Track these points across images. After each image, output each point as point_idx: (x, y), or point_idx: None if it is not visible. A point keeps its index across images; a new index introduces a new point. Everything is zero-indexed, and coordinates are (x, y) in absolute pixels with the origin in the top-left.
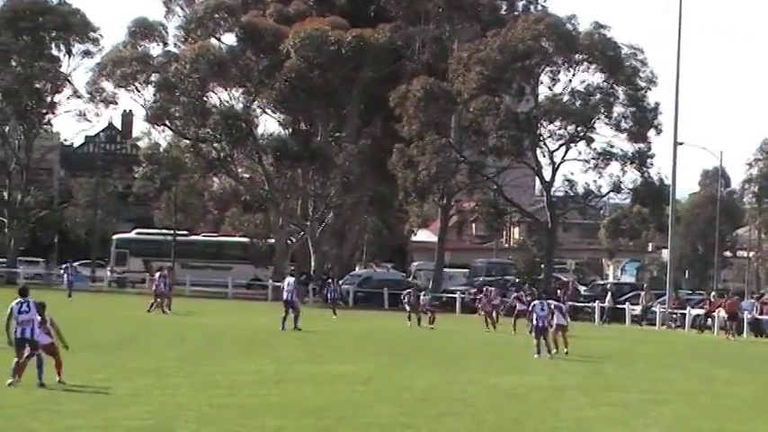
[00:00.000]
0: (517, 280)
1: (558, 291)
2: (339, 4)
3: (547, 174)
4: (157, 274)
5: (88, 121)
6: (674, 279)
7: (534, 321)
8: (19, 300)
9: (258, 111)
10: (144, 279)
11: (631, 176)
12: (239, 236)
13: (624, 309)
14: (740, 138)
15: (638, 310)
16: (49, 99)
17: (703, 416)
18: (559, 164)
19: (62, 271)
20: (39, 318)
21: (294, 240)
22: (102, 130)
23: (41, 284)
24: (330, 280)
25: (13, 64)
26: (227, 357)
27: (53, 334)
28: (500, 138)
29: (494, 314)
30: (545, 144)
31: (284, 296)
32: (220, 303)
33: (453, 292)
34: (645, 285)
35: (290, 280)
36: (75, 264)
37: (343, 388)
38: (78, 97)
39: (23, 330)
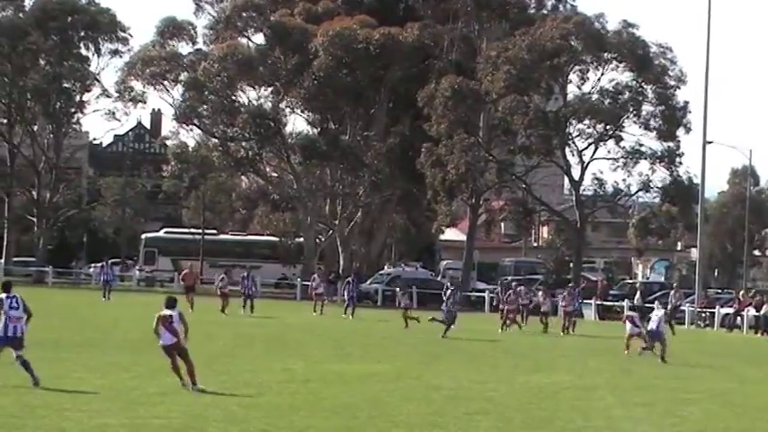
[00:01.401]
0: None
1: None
2: (367, 2)
3: (576, 173)
4: (222, 275)
5: (117, 120)
6: (703, 278)
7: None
8: (5, 294)
9: (286, 110)
10: (172, 278)
11: (660, 175)
12: (267, 235)
13: (653, 308)
14: None
15: (667, 309)
16: (77, 98)
17: (733, 415)
18: (588, 163)
19: (99, 270)
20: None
21: (322, 239)
22: (131, 130)
23: (66, 284)
24: (349, 278)
25: (42, 63)
26: (256, 356)
27: (180, 332)
28: (529, 137)
29: (522, 313)
30: (574, 143)
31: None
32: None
33: (482, 291)
34: (674, 284)
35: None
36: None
37: (372, 387)
38: (107, 96)
39: (15, 328)
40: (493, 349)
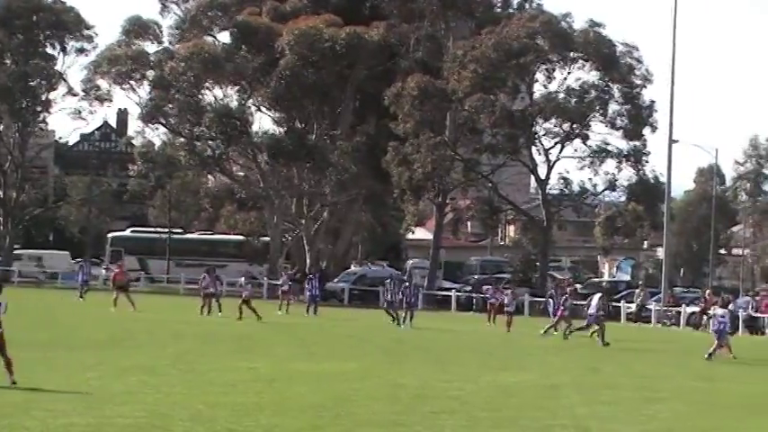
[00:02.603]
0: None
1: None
2: (334, 1)
3: (542, 171)
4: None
5: (83, 119)
6: (668, 277)
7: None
8: None
9: (253, 108)
10: (139, 278)
11: (626, 174)
12: (234, 234)
13: (619, 307)
14: (735, 135)
15: (633, 308)
16: (43, 97)
17: (700, 414)
18: (555, 162)
19: (78, 269)
20: None
21: (289, 238)
22: (97, 129)
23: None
24: (311, 276)
25: (8, 62)
26: (222, 355)
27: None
28: (495, 135)
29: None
30: (540, 142)
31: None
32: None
33: (449, 290)
34: (640, 283)
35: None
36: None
37: (338, 386)
38: (73, 95)
39: None
40: (459, 348)
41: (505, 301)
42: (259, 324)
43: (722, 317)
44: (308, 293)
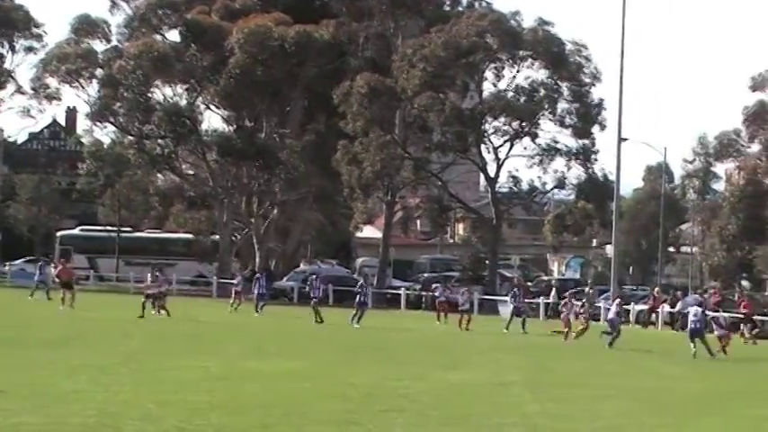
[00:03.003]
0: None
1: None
2: (283, 0)
3: (491, 170)
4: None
5: (32, 117)
6: (617, 275)
7: None
8: None
9: (202, 107)
10: (88, 276)
11: (576, 172)
12: (183, 232)
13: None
14: (684, 133)
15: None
16: None
17: (649, 411)
18: (504, 160)
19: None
20: None
21: (239, 237)
22: (46, 127)
23: None
24: (258, 275)
25: None
26: (172, 354)
27: None
28: (444, 134)
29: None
30: (489, 140)
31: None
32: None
33: (398, 288)
34: (589, 281)
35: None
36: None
37: (289, 384)
38: (22, 93)
39: None
40: (409, 346)
41: (460, 301)
42: (209, 323)
43: (694, 316)
44: (255, 292)
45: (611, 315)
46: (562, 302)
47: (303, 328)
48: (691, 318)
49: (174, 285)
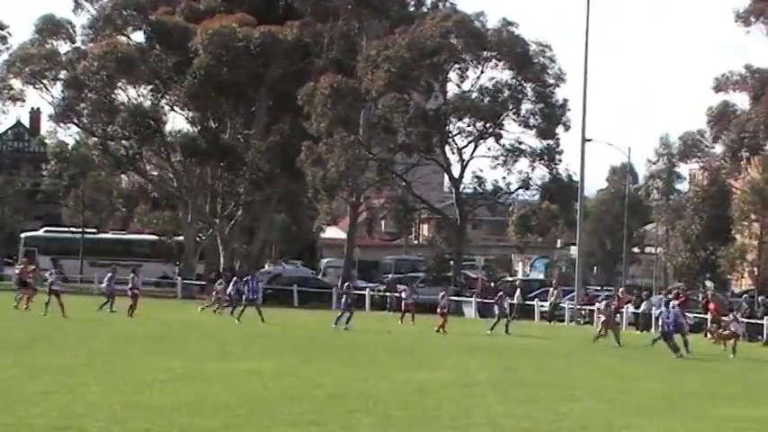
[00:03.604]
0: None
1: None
2: (248, 1)
3: (456, 170)
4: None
5: None
6: (582, 275)
7: None
8: None
9: (167, 108)
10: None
11: (540, 173)
12: (148, 233)
13: (533, 305)
14: (648, 134)
15: (546, 306)
16: None
17: (613, 411)
18: (468, 161)
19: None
20: None
21: (203, 237)
22: (10, 128)
23: None
24: (249, 277)
25: None
26: (137, 355)
27: None
28: (409, 135)
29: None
30: (454, 141)
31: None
32: (129, 301)
33: (363, 289)
34: (554, 282)
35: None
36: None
37: (253, 385)
38: None
39: None
40: (374, 347)
41: (441, 303)
42: (174, 324)
43: (667, 318)
44: (243, 296)
45: (668, 320)
46: (603, 305)
47: (268, 328)
48: (663, 319)
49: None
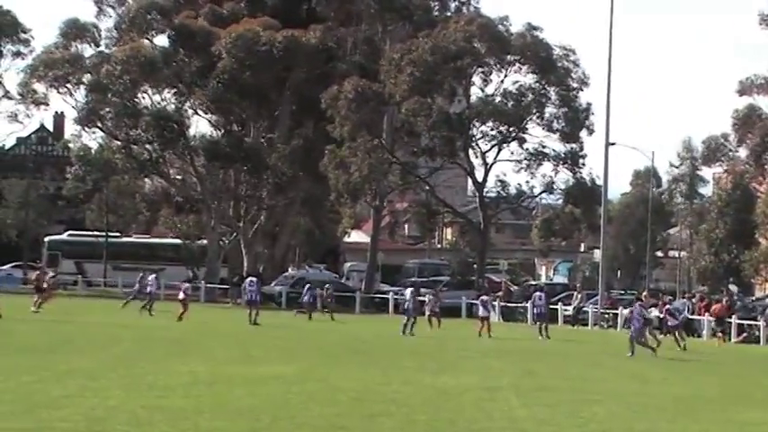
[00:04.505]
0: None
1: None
2: (271, 4)
3: (479, 174)
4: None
5: (19, 122)
6: (606, 279)
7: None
8: None
9: (190, 112)
10: (76, 281)
11: (563, 177)
12: (171, 237)
13: (557, 309)
14: (671, 138)
15: (570, 310)
16: None
17: (635, 415)
18: (492, 164)
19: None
20: None
21: (226, 241)
22: (34, 132)
23: None
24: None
25: None
26: (160, 359)
27: None
28: (432, 138)
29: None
30: (477, 145)
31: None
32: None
33: (386, 293)
34: (577, 285)
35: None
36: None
37: (277, 389)
38: (9, 99)
39: None
40: (398, 350)
41: (481, 310)
42: (197, 327)
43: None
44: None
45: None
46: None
47: (291, 332)
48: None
49: (162, 290)
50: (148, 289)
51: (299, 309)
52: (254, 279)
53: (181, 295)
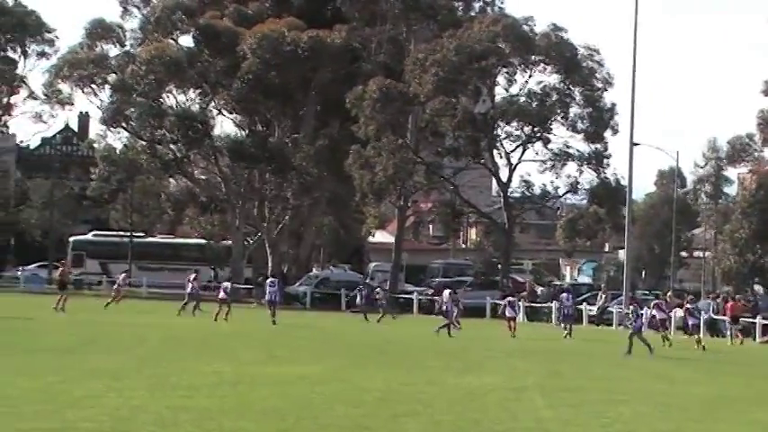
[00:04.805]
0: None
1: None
2: (296, 4)
3: (504, 174)
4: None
5: (44, 122)
6: (630, 279)
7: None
8: None
9: (215, 112)
10: (101, 281)
11: (588, 177)
12: (196, 237)
13: (581, 309)
14: (696, 138)
15: (594, 310)
16: (4, 101)
17: (661, 415)
18: (516, 164)
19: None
20: None
21: (251, 241)
22: (59, 132)
23: None
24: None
25: None
26: (185, 359)
27: None
28: (457, 138)
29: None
30: (502, 145)
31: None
32: (177, 305)
33: (411, 293)
34: (602, 286)
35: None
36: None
37: (302, 389)
38: (34, 99)
39: None
40: (422, 351)
41: (508, 310)
42: (223, 328)
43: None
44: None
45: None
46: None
47: (315, 332)
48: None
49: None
50: (189, 289)
51: (354, 309)
52: (274, 279)
53: (221, 294)
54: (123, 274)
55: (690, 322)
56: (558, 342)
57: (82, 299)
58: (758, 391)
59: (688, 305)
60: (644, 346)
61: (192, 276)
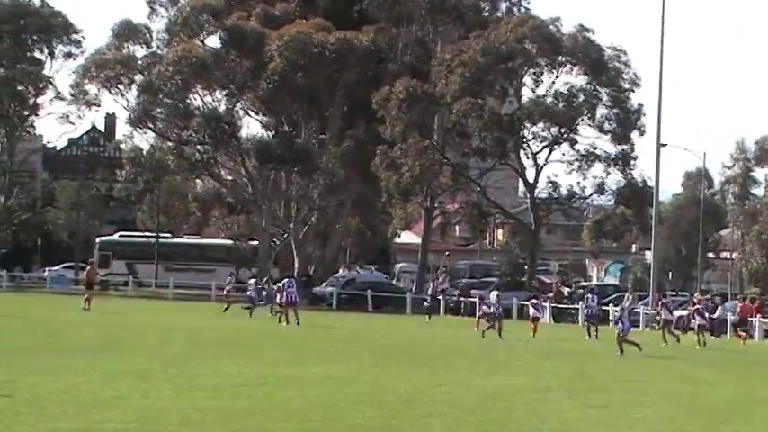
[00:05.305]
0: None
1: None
2: (323, 5)
3: (530, 175)
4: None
5: (71, 123)
6: (657, 280)
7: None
8: None
9: (241, 113)
10: (127, 281)
11: (615, 178)
12: (222, 238)
13: (608, 310)
14: (724, 139)
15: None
16: (31, 101)
17: (687, 417)
18: (543, 165)
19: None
20: None
21: (277, 242)
22: (86, 133)
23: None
24: (286, 281)
25: None
26: (211, 360)
27: None
28: (483, 139)
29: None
30: (528, 146)
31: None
32: (203, 305)
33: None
34: (628, 287)
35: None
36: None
37: (327, 390)
38: (61, 99)
39: None
40: (448, 351)
41: (532, 311)
42: (248, 328)
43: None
44: (284, 299)
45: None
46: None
47: (342, 333)
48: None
49: (212, 291)
50: (249, 292)
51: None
52: (291, 279)
53: (283, 298)
54: (229, 278)
55: (698, 322)
56: (584, 343)
57: (108, 299)
58: None
59: (698, 306)
60: (632, 345)
61: (253, 281)
